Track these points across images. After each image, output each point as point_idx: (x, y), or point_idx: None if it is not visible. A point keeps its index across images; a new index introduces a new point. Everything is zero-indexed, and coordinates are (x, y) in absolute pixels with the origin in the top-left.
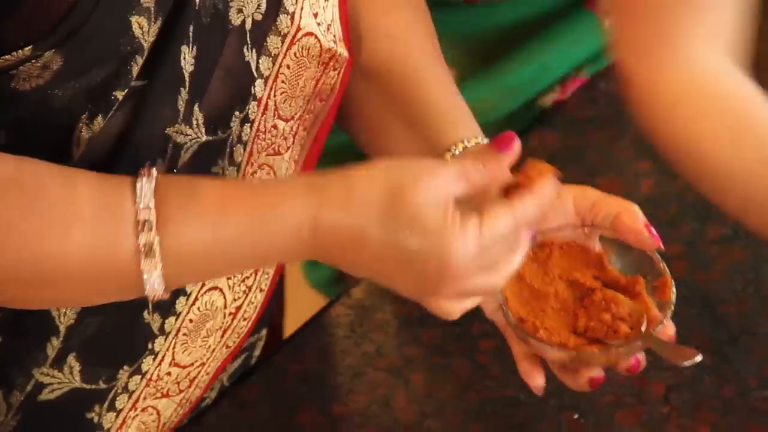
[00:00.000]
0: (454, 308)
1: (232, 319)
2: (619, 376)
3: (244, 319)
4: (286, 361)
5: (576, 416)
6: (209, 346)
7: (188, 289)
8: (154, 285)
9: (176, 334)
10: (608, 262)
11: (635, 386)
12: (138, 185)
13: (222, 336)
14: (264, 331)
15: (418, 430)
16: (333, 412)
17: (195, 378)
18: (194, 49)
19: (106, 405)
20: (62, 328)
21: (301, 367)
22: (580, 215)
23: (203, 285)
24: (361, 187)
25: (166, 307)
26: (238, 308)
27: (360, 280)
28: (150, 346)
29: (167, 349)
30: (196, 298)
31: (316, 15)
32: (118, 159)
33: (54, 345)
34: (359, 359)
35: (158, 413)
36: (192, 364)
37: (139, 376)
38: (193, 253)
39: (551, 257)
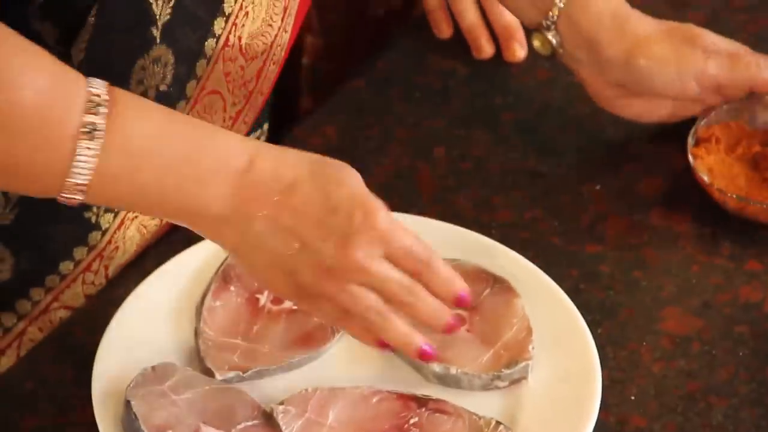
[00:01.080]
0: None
1: (233, 124)
2: (640, 145)
3: (245, 123)
4: (306, 135)
5: (597, 187)
6: None
7: (188, 93)
8: (79, 172)
9: None
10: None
11: (654, 152)
12: (90, 79)
13: None
14: (266, 126)
15: (440, 202)
16: None
17: None
18: None
19: (103, 206)
20: None
21: (323, 141)
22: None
23: (203, 89)
24: (293, 151)
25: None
26: (239, 112)
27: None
28: None
29: None
30: (196, 101)
31: None
32: None
33: None
34: (382, 132)
35: None
36: None
37: None
38: (133, 149)
39: (719, 144)
